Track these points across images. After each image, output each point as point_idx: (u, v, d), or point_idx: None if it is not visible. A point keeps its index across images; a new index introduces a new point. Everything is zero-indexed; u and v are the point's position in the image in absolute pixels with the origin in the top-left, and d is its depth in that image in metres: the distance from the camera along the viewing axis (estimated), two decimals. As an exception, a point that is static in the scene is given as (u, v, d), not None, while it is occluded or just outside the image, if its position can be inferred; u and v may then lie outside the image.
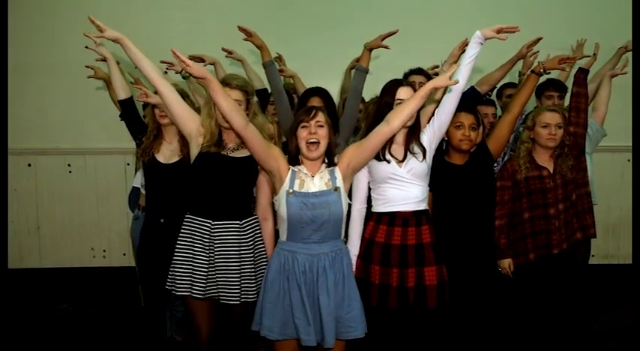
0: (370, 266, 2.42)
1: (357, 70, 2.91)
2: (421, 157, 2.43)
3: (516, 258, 2.78)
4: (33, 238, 4.46)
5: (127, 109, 2.76)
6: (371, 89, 2.98)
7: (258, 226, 2.48)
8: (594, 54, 2.95)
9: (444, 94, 2.46)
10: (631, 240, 4.41)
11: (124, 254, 4.46)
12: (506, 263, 2.76)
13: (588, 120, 2.92)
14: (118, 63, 2.73)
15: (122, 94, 2.73)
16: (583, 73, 2.91)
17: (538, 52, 3.09)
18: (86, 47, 2.61)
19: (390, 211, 2.42)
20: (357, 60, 3.23)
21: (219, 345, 2.57)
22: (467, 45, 2.47)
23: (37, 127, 4.35)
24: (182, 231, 2.42)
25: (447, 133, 2.60)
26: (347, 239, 2.45)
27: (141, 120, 2.83)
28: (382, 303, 2.40)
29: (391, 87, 2.47)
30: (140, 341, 3.13)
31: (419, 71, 3.23)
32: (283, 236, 2.31)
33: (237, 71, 3.22)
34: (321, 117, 2.28)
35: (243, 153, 2.40)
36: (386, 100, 2.45)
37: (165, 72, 2.94)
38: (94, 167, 4.44)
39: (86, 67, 3.26)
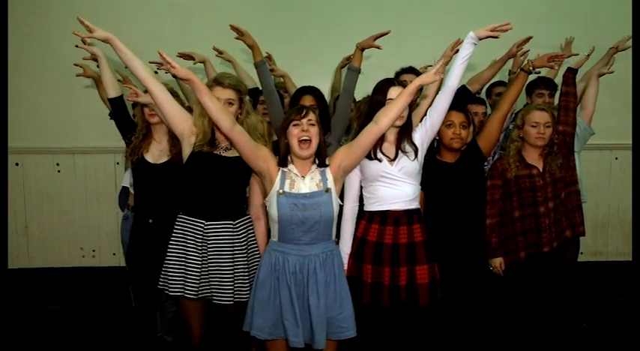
0: (362, 265, 2.43)
1: (349, 70, 2.91)
2: (413, 156, 2.44)
3: (507, 256, 2.79)
4: (21, 238, 4.41)
5: (117, 107, 2.74)
6: (363, 88, 2.98)
7: (251, 225, 2.48)
8: (587, 55, 2.95)
9: (437, 91, 2.47)
10: (619, 237, 4.51)
11: (114, 254, 4.43)
12: (498, 262, 2.78)
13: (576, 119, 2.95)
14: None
15: (112, 92, 2.70)
16: (572, 72, 2.93)
17: (528, 50, 3.11)
18: (76, 46, 2.58)
19: (381, 209, 2.43)
20: (348, 58, 3.23)
21: (211, 345, 2.57)
22: (459, 45, 2.49)
23: (25, 126, 4.28)
24: (175, 231, 2.41)
25: (438, 131, 2.60)
26: (339, 239, 2.45)
27: (130, 119, 2.81)
28: (374, 302, 2.40)
29: (383, 86, 2.48)
30: (130, 341, 3.12)
31: (410, 70, 3.24)
32: (274, 237, 2.30)
33: (227, 70, 3.21)
34: (312, 116, 2.28)
35: (236, 152, 2.37)
36: (377, 99, 2.45)
37: (156, 72, 2.92)
38: (84, 166, 4.39)
39: (75, 65, 3.23)
